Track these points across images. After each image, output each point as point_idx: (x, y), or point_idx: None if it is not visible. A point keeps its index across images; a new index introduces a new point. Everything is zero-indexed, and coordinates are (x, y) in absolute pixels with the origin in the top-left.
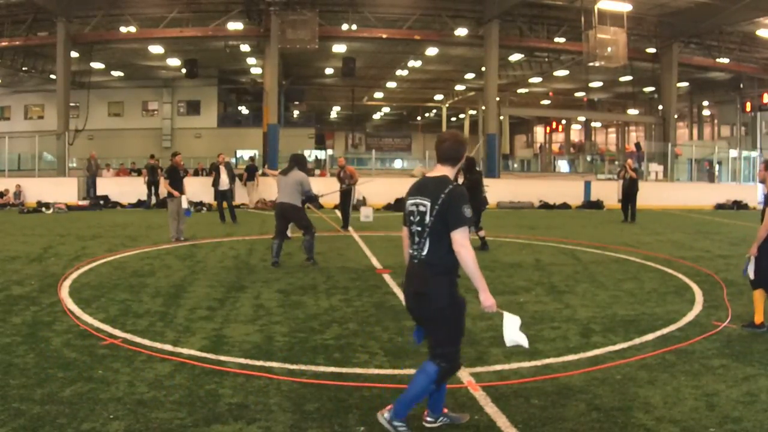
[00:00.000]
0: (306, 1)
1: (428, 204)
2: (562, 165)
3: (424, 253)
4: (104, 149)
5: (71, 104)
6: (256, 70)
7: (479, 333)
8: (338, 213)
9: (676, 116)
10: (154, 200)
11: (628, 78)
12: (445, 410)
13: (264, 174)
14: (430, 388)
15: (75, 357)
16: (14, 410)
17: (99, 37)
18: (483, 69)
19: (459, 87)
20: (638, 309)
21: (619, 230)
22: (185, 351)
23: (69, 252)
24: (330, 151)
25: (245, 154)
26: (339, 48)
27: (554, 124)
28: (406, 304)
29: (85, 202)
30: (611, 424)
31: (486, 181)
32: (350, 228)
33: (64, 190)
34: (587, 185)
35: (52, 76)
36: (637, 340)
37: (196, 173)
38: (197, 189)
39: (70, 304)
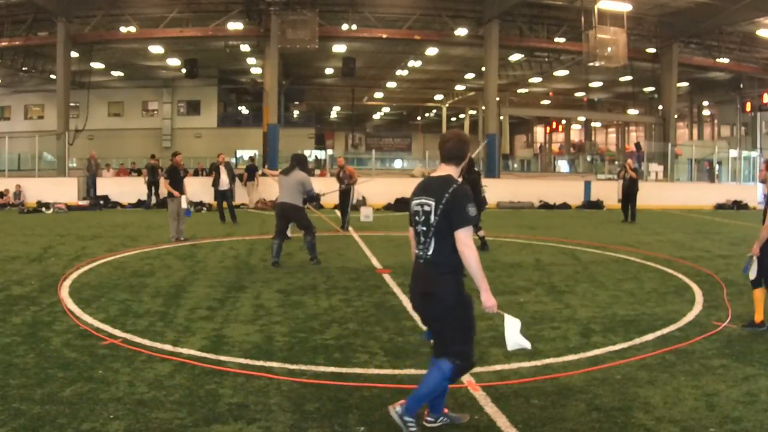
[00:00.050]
0: (306, 1)
1: (433, 203)
2: (562, 165)
3: (430, 252)
4: (104, 149)
5: (71, 104)
6: (256, 70)
7: (479, 333)
8: (338, 213)
9: (676, 116)
10: (154, 200)
11: (628, 78)
12: (446, 410)
13: (264, 174)
14: (443, 385)
15: (75, 357)
16: (14, 410)
17: (99, 37)
18: (483, 69)
19: (459, 87)
20: (638, 309)
21: (619, 230)
22: (185, 351)
23: (69, 252)
24: (330, 151)
25: (245, 154)
26: (339, 48)
27: (554, 124)
28: (413, 304)
29: (85, 202)
30: (611, 424)
31: (485, 182)
32: (350, 228)
33: (64, 190)
34: (587, 185)
35: (52, 76)
36: (637, 340)
37: (196, 173)
38: (197, 189)
39: (70, 304)
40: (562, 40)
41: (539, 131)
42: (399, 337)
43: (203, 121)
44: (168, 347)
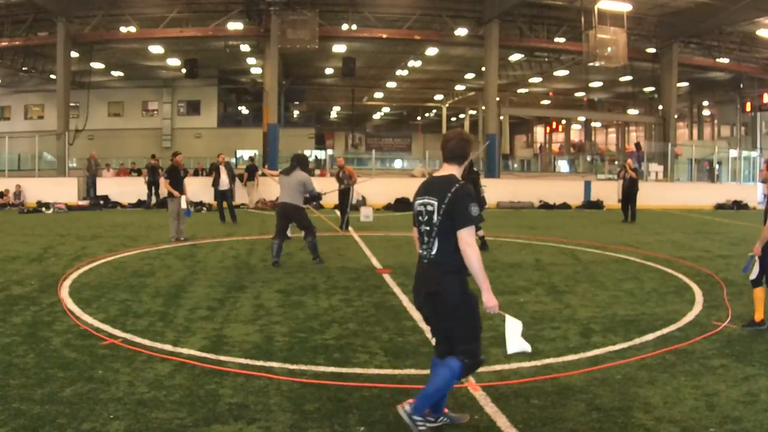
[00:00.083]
0: (306, 1)
1: (435, 203)
2: (562, 165)
3: (434, 252)
4: (104, 149)
5: (71, 104)
6: (256, 70)
7: None
8: (338, 213)
9: (676, 116)
10: (154, 200)
11: (628, 78)
12: (446, 410)
13: (263, 174)
14: (452, 383)
15: (75, 357)
16: (14, 410)
17: (99, 37)
18: (483, 69)
19: (459, 87)
20: (638, 309)
21: (619, 230)
22: (185, 351)
23: (69, 252)
24: (330, 151)
25: (245, 154)
26: (339, 48)
27: (554, 124)
28: (417, 304)
29: (85, 202)
30: (611, 424)
31: (485, 181)
32: (350, 228)
33: (64, 190)
34: (587, 185)
35: (52, 76)
36: (637, 340)
37: (196, 173)
38: (197, 189)
39: (70, 304)
40: (562, 40)
41: (539, 131)
42: (399, 337)
43: (203, 121)
44: (168, 347)
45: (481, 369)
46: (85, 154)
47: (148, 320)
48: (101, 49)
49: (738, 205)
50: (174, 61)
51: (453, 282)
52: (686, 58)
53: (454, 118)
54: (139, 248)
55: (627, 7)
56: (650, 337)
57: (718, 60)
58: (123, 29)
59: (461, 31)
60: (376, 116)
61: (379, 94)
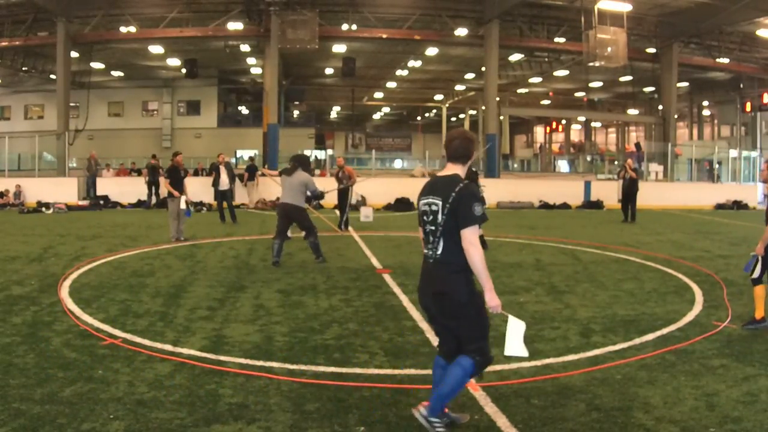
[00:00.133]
0: (306, 1)
1: (440, 203)
2: (562, 165)
3: (439, 252)
4: (104, 149)
5: (71, 104)
6: (256, 70)
7: None
8: (338, 213)
9: (676, 116)
10: (154, 200)
11: (628, 78)
12: (446, 410)
13: (263, 174)
14: (465, 381)
15: (75, 357)
16: (14, 410)
17: (99, 37)
18: (483, 69)
19: (459, 87)
20: (638, 309)
21: (619, 230)
22: (185, 351)
23: (69, 252)
24: (330, 151)
25: (245, 154)
26: (339, 48)
27: (554, 124)
28: (423, 304)
29: (85, 202)
30: (611, 424)
31: (484, 181)
32: (350, 228)
33: (64, 190)
34: (587, 185)
35: (52, 76)
36: (637, 340)
37: (196, 173)
38: (197, 189)
39: (70, 304)
40: (562, 40)
41: (539, 131)
42: (399, 337)
43: (203, 121)
44: (168, 347)
45: None
46: (85, 154)
47: (148, 320)
48: (101, 49)
49: (738, 205)
50: (174, 61)
51: (460, 281)
52: (686, 58)
53: (454, 118)
54: (139, 248)
55: (627, 7)
56: (650, 337)
57: (718, 60)
58: (123, 29)
59: (461, 31)
60: (376, 116)
61: (379, 94)
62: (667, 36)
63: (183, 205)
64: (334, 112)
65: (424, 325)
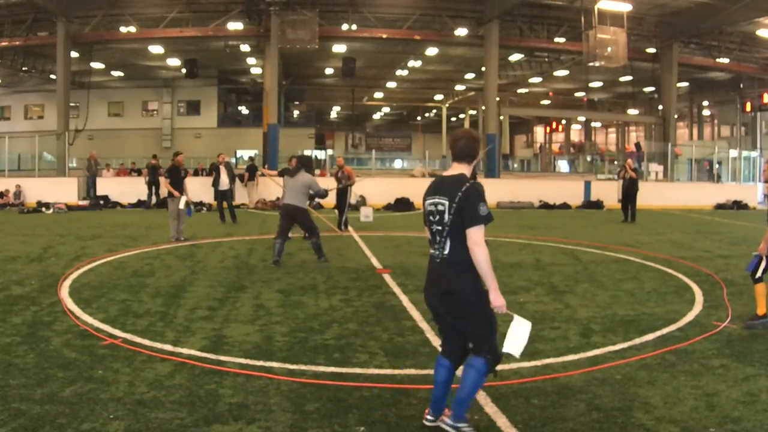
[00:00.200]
0: (306, 1)
1: (446, 203)
2: (562, 165)
3: (446, 252)
4: (104, 149)
5: (71, 104)
6: (256, 70)
7: None
8: (337, 213)
9: (676, 116)
10: (154, 200)
11: (628, 78)
12: (447, 411)
13: (263, 174)
14: (482, 381)
15: (75, 357)
16: (14, 410)
17: (99, 37)
18: (483, 69)
19: (459, 87)
20: (638, 309)
21: (619, 230)
22: (185, 351)
23: (69, 252)
24: (330, 151)
25: (245, 154)
26: (339, 48)
27: (554, 124)
28: (430, 304)
29: (85, 202)
30: (611, 424)
31: (483, 181)
32: (350, 228)
33: (64, 190)
34: (587, 185)
35: (52, 76)
36: (637, 340)
37: (196, 173)
38: (197, 189)
39: (70, 304)
40: (562, 40)
41: (539, 131)
42: (399, 337)
43: (203, 121)
44: (168, 347)
45: None
46: (85, 154)
47: (148, 320)
48: (101, 49)
49: (738, 205)
50: (174, 61)
51: (467, 280)
52: (686, 58)
53: (454, 118)
54: (139, 248)
55: (627, 7)
56: (650, 337)
57: (718, 60)
58: (123, 29)
59: (461, 31)
60: (376, 116)
61: (379, 94)
62: (667, 36)
63: (182, 205)
64: (334, 112)
65: (424, 325)
